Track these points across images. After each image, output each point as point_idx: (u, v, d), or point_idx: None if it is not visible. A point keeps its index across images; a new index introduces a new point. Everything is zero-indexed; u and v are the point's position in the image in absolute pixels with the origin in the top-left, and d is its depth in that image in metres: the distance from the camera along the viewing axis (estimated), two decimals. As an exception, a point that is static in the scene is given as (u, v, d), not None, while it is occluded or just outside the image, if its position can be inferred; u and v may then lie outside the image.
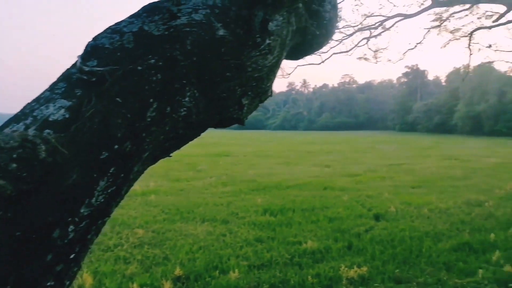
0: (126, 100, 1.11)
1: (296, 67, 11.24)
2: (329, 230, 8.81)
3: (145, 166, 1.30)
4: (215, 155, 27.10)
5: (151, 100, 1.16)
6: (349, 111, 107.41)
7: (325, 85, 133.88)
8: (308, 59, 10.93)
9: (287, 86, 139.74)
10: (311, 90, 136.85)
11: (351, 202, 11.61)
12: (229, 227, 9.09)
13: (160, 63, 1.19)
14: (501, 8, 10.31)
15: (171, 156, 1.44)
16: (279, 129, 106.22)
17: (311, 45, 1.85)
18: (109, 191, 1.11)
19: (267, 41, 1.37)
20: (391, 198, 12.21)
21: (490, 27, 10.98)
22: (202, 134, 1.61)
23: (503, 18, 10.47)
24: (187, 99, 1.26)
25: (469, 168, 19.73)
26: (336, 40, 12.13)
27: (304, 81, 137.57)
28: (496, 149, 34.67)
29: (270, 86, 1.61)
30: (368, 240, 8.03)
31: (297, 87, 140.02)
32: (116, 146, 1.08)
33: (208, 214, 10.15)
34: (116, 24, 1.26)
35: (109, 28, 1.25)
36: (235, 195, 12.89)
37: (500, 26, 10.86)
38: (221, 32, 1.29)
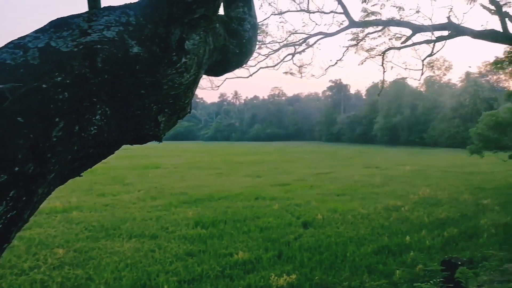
0: (29, 120, 1.04)
1: (225, 80, 11.37)
2: (260, 240, 8.95)
3: (51, 188, 1.22)
4: (144, 168, 26.17)
5: (57, 119, 1.10)
6: (279, 122, 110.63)
7: (256, 97, 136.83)
8: (237, 72, 11.14)
9: (219, 97, 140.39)
10: (242, 101, 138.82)
11: (281, 211, 11.93)
12: (158, 242, 8.82)
13: (68, 81, 1.13)
14: (408, 32, 11.52)
15: (81, 176, 1.38)
16: (211, 140, 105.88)
17: (231, 63, 1.90)
18: (8, 216, 1.03)
19: (184, 60, 1.38)
20: (318, 206, 12.77)
21: (399, 48, 12.18)
22: (131, 146, 1.57)
23: (410, 40, 11.69)
24: (97, 117, 1.22)
25: (388, 176, 21.34)
26: (263, 55, 12.56)
27: (236, 93, 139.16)
28: (410, 157, 38.01)
29: (189, 103, 1.62)
30: (297, 248, 8.31)
31: (229, 98, 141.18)
32: (16, 168, 1.01)
33: (136, 230, 9.75)
34: (20, 38, 1.18)
35: (11, 42, 1.16)
36: (165, 208, 12.55)
37: (408, 48, 12.10)
38: (135, 49, 1.28)
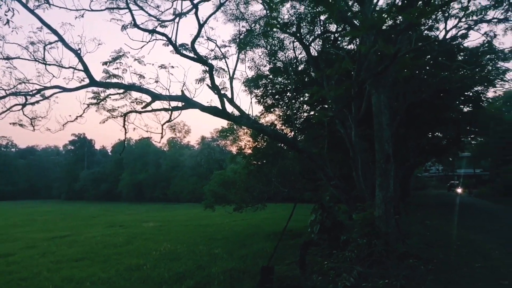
0: None
1: None
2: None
3: None
4: None
5: None
6: (6, 178, 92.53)
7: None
8: None
9: None
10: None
11: (-1, 291, 9.78)
12: None
13: None
14: (148, 98, 12.47)
15: None
16: None
17: None
18: None
19: None
20: (51, 276, 11.22)
21: (140, 112, 12.90)
22: None
23: (150, 106, 12.64)
24: None
25: (131, 234, 21.12)
26: (-18, 101, 10.60)
27: None
28: (155, 213, 39.24)
29: None
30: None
31: None
32: None
33: None
34: None
35: None
36: None
37: (149, 112, 12.98)
38: None
